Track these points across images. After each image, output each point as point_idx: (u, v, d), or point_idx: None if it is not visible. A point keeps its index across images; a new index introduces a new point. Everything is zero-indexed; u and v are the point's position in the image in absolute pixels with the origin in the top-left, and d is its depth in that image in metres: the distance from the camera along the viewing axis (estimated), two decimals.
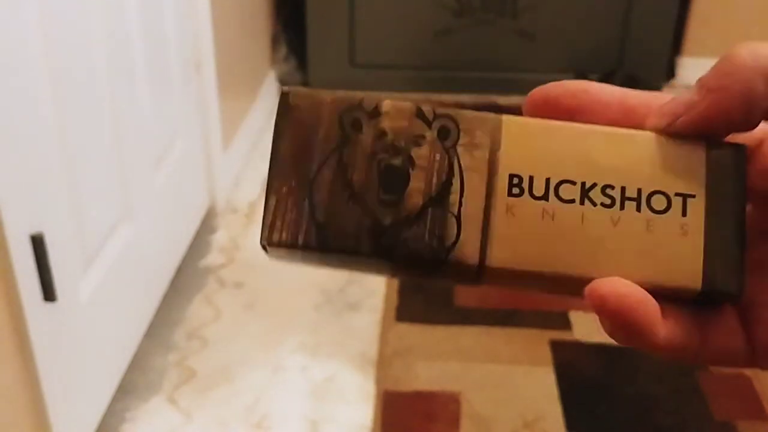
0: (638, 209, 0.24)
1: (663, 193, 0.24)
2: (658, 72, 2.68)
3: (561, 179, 0.25)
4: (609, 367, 1.54)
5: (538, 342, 1.59)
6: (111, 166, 1.37)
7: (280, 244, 0.24)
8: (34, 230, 1.09)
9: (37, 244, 1.09)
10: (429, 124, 0.25)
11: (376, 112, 0.25)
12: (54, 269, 1.13)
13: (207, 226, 1.93)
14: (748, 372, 1.52)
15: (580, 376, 1.52)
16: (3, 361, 1.06)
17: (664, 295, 0.23)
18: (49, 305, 1.14)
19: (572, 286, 0.24)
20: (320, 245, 0.24)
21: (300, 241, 0.24)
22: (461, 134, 0.25)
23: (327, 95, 0.26)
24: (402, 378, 1.50)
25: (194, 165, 1.85)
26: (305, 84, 2.70)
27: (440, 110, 0.25)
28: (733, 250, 0.24)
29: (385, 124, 0.25)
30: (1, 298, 1.04)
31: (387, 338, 1.59)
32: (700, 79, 0.24)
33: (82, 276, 1.28)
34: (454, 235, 0.24)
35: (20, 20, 1.06)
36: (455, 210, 0.24)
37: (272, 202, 0.24)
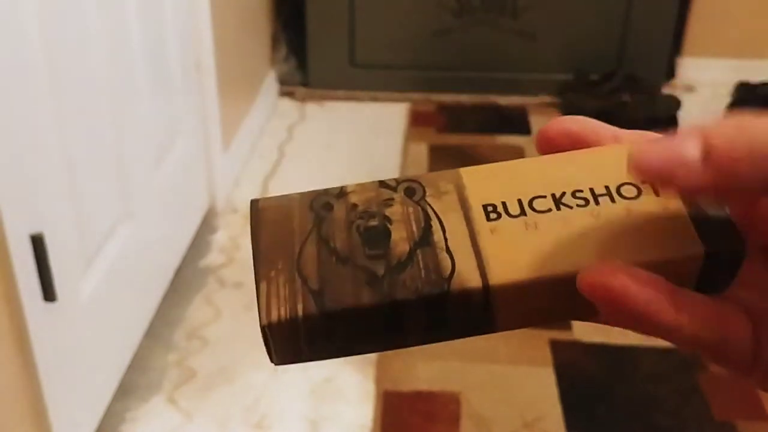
0: (612, 201, 0.25)
1: (630, 183, 0.25)
2: (658, 72, 2.68)
3: (531, 196, 0.25)
4: (609, 367, 1.54)
5: (538, 342, 1.59)
6: (111, 166, 1.37)
7: (280, 322, 0.24)
8: (34, 230, 1.09)
9: (37, 244, 1.09)
10: (394, 189, 0.26)
11: (342, 193, 0.26)
12: (54, 269, 1.13)
13: (207, 226, 1.93)
14: None
15: (580, 376, 1.52)
16: (3, 361, 1.06)
17: (674, 277, 0.23)
18: (49, 305, 1.14)
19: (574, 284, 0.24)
20: (321, 310, 0.24)
21: (299, 312, 0.24)
22: (426, 188, 0.26)
23: (293, 194, 0.27)
24: (402, 378, 1.50)
25: (194, 165, 1.85)
26: (305, 84, 2.70)
27: (401, 177, 0.26)
28: (717, 211, 0.24)
29: (354, 198, 0.26)
30: (1, 298, 1.04)
31: None
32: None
33: (82, 276, 1.28)
34: (450, 266, 0.24)
35: (20, 20, 1.06)
36: (443, 245, 0.24)
37: (263, 286, 0.24)
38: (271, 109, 2.56)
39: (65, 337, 1.21)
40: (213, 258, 1.84)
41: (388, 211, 0.25)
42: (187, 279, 1.75)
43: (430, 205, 0.25)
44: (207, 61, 1.86)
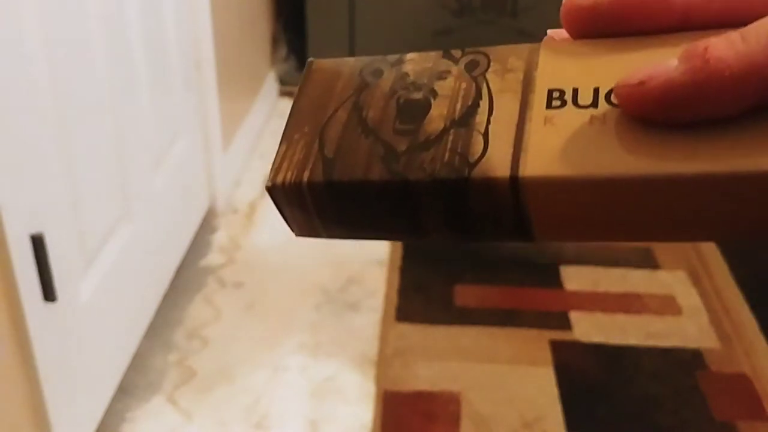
0: None
1: None
2: None
3: (611, 87, 0.21)
4: (609, 367, 1.54)
5: (538, 342, 1.59)
6: (111, 166, 1.37)
7: (284, 185, 0.22)
8: (34, 230, 1.09)
9: (37, 244, 1.09)
10: (456, 61, 0.23)
11: (399, 61, 0.24)
12: (54, 269, 1.13)
13: (207, 226, 1.93)
14: (748, 372, 1.52)
15: (580, 376, 1.52)
16: (3, 361, 1.06)
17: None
18: (49, 305, 1.14)
19: (635, 197, 0.20)
20: (327, 179, 0.22)
21: (305, 178, 0.22)
22: (491, 63, 0.23)
23: (350, 59, 0.25)
24: (402, 378, 1.50)
25: (194, 165, 1.85)
26: None
27: (470, 49, 0.24)
28: None
29: (408, 67, 0.24)
30: (1, 298, 1.04)
31: (387, 338, 1.59)
32: None
33: (82, 276, 1.28)
34: (480, 152, 0.21)
35: (20, 20, 1.06)
36: (482, 128, 0.21)
37: (282, 148, 0.23)
38: (271, 109, 2.56)
39: (65, 337, 1.21)
40: (213, 258, 1.84)
41: (437, 85, 0.23)
42: (187, 279, 1.75)
43: (487, 83, 0.22)
44: (207, 61, 1.86)
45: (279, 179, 0.22)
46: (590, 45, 0.23)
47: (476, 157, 0.21)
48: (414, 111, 0.22)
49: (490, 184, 0.20)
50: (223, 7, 1.97)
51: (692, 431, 1.41)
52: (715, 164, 0.19)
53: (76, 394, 1.25)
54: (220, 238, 1.91)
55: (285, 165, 0.22)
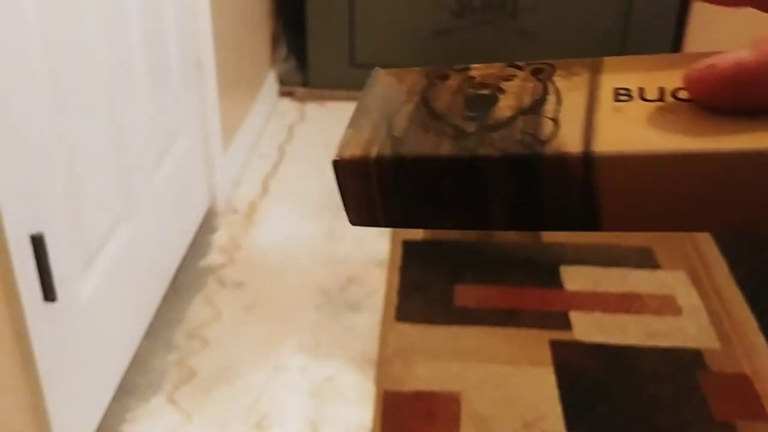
0: None
1: None
2: None
3: (677, 87, 0.22)
4: (609, 367, 1.54)
5: (538, 342, 1.59)
6: (111, 166, 1.37)
7: (352, 160, 0.22)
8: (34, 230, 1.09)
9: (37, 244, 1.09)
10: (521, 69, 0.24)
11: (464, 68, 0.24)
12: (54, 269, 1.13)
13: (207, 226, 1.93)
14: (748, 372, 1.52)
15: (580, 376, 1.52)
16: (3, 361, 1.06)
17: None
18: (49, 305, 1.14)
19: (712, 170, 0.20)
20: (395, 153, 0.21)
21: (373, 153, 0.21)
22: (556, 69, 0.23)
23: (415, 68, 0.25)
24: (402, 378, 1.50)
25: (194, 165, 1.85)
26: (305, 84, 2.70)
27: (534, 60, 0.24)
28: None
29: (474, 72, 0.24)
30: (1, 298, 1.04)
31: (387, 338, 1.59)
32: None
33: (82, 276, 1.28)
34: (551, 132, 0.21)
35: (20, 20, 1.06)
36: (551, 115, 0.21)
37: (349, 131, 0.23)
38: (271, 109, 2.56)
39: (65, 337, 1.21)
40: (213, 258, 1.84)
41: (504, 84, 0.23)
42: (187, 279, 1.75)
43: (554, 83, 0.23)
44: (207, 61, 1.86)
45: (346, 154, 0.22)
46: (650, 58, 0.23)
47: (546, 136, 0.21)
48: (482, 102, 0.22)
49: (562, 160, 0.20)
50: (223, 7, 1.97)
51: (692, 431, 1.41)
52: None
53: (76, 394, 1.25)
54: (220, 238, 1.91)
55: (353, 143, 0.22)
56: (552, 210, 0.21)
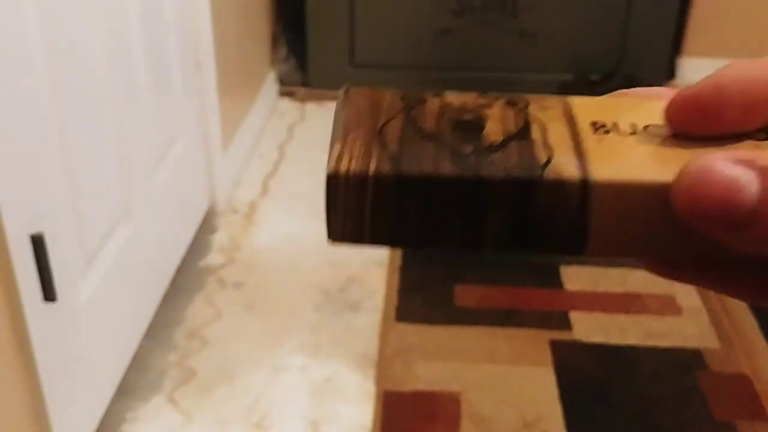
0: (740, 140, 0.22)
1: (763, 131, 0.22)
2: (658, 72, 2.68)
3: (648, 123, 0.23)
4: (609, 367, 1.54)
5: (538, 342, 1.59)
6: (111, 166, 1.37)
7: (348, 175, 0.21)
8: (34, 230, 1.09)
9: (37, 244, 1.09)
10: (495, 99, 0.24)
11: (438, 94, 0.24)
12: (54, 269, 1.13)
13: (207, 226, 1.93)
14: (748, 372, 1.52)
15: (580, 376, 1.52)
16: (3, 361, 1.06)
17: None
18: (49, 305, 1.14)
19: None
20: (396, 171, 0.21)
21: (371, 168, 0.21)
22: (530, 102, 0.24)
23: (387, 88, 0.25)
24: (402, 378, 1.50)
25: (194, 165, 1.85)
26: (305, 84, 2.70)
27: (503, 94, 0.24)
28: None
29: (449, 99, 0.24)
30: (1, 298, 1.04)
31: (387, 338, 1.59)
32: None
33: (82, 276, 1.28)
34: (546, 157, 0.21)
35: (20, 21, 1.06)
36: (540, 141, 0.22)
37: (337, 146, 0.22)
38: (271, 109, 2.56)
39: (65, 337, 1.21)
40: (213, 258, 1.84)
41: (484, 112, 0.23)
42: (187, 279, 1.75)
43: (531, 114, 0.23)
44: (207, 61, 1.86)
45: (342, 168, 0.21)
46: (616, 100, 0.24)
47: (543, 161, 0.21)
48: (469, 126, 0.22)
49: (562, 184, 0.21)
50: (223, 8, 1.97)
51: (692, 431, 1.41)
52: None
53: (76, 394, 1.25)
54: (220, 238, 1.91)
55: (346, 157, 0.22)
56: (543, 232, 0.21)
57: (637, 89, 0.25)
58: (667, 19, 2.63)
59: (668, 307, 1.69)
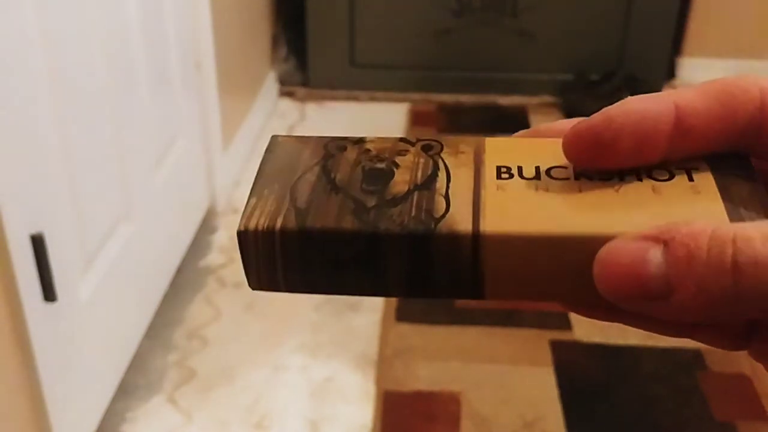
0: (639, 179, 0.23)
1: (664, 168, 0.23)
2: (658, 72, 2.68)
3: (551, 165, 0.24)
4: (609, 367, 1.54)
5: (538, 342, 1.59)
6: (111, 166, 1.37)
7: (256, 231, 0.23)
8: (34, 230, 1.09)
9: (37, 244, 1.09)
10: (412, 144, 0.26)
11: (360, 140, 0.26)
12: (54, 269, 1.13)
13: (207, 226, 1.93)
14: (748, 372, 1.52)
15: (580, 376, 1.52)
16: (3, 361, 1.06)
17: None
18: (49, 305, 1.14)
19: (581, 253, 0.22)
20: (300, 226, 0.23)
21: (278, 224, 0.23)
22: (444, 147, 0.25)
23: (314, 136, 0.27)
24: (402, 378, 1.50)
25: (194, 165, 1.85)
26: (305, 84, 2.70)
27: (423, 137, 0.26)
28: (753, 195, 0.22)
29: (370, 145, 0.26)
30: (1, 298, 1.04)
31: (387, 338, 1.59)
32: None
33: (82, 276, 1.28)
34: (444, 209, 0.23)
35: (20, 20, 1.06)
36: (443, 192, 0.24)
37: (252, 201, 0.24)
38: (271, 109, 2.56)
39: (65, 337, 1.21)
40: (213, 258, 1.84)
41: (398, 159, 0.25)
42: (187, 279, 1.75)
43: (442, 159, 0.25)
44: (207, 61, 1.86)
45: (251, 225, 0.23)
46: (527, 140, 0.26)
47: (440, 214, 0.23)
48: (379, 176, 0.24)
49: (454, 237, 0.22)
50: (223, 8, 1.97)
51: (692, 431, 1.41)
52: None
53: (76, 394, 1.25)
54: (220, 238, 1.91)
55: (257, 213, 0.23)
56: (442, 281, 0.23)
57: (560, 121, 0.26)
58: (667, 19, 2.63)
59: None
